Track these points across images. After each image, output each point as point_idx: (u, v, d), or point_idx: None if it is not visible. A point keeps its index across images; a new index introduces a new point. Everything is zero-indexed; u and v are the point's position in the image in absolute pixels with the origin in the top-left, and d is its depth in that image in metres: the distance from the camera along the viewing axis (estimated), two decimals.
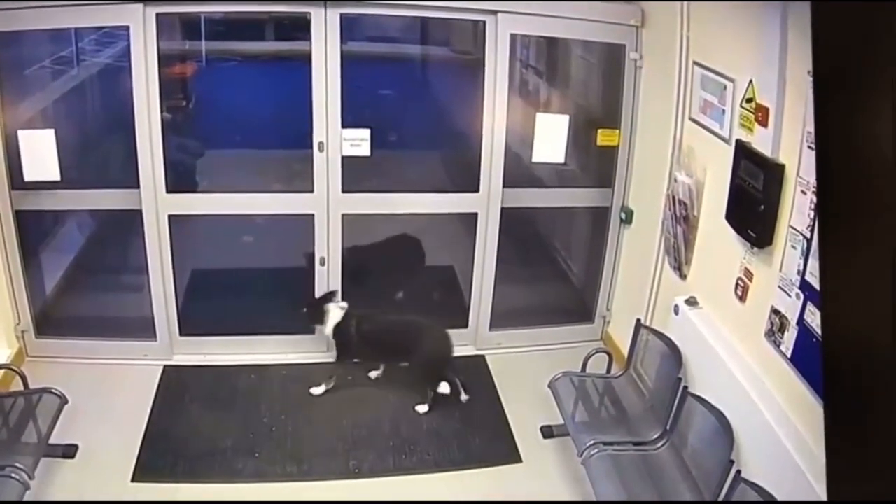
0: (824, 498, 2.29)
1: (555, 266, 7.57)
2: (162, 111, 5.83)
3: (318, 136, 6.03)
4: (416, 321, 6.30)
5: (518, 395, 6.23)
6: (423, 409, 6.06)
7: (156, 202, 6.00)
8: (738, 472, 4.22)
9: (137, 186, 5.94)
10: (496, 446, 5.74)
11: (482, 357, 6.78)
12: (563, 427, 5.46)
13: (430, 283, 7.33)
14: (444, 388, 6.07)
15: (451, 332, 6.50)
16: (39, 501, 4.81)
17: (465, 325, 6.85)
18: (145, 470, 5.29)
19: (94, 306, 6.77)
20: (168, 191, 6.00)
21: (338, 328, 6.08)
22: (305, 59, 5.89)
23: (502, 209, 6.45)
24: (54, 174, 5.78)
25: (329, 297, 6.19)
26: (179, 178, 6.22)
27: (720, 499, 4.28)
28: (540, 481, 5.41)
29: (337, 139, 6.05)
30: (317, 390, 6.13)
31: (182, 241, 6.27)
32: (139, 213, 6.02)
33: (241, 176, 6.76)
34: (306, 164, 6.12)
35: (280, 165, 6.83)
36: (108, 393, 5.97)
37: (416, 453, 5.62)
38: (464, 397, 6.20)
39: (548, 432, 5.79)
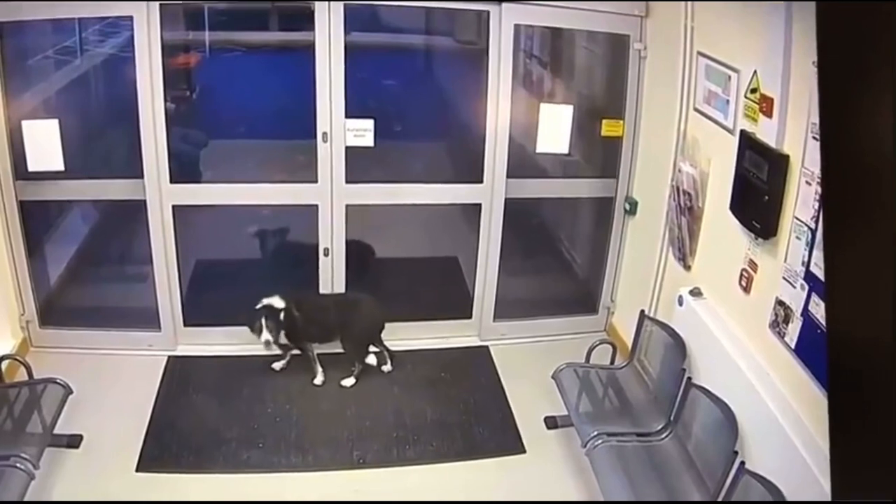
0: (828, 488, 2.29)
1: (559, 257, 7.56)
2: (166, 101, 5.85)
3: (321, 127, 6.04)
4: (347, 295, 6.45)
5: (522, 386, 6.24)
6: (349, 382, 6.18)
7: (160, 192, 6.01)
8: (742, 463, 4.21)
9: (141, 177, 5.96)
10: (500, 437, 5.75)
11: (486, 348, 6.79)
12: (566, 418, 5.47)
13: (434, 273, 7.33)
14: (370, 359, 6.31)
15: (456, 322, 6.55)
16: (42, 502, 4.82)
17: (470, 316, 6.86)
18: (149, 460, 5.30)
19: (98, 296, 6.79)
20: (172, 181, 6.02)
21: (285, 316, 6.05)
22: (309, 49, 5.89)
23: (506, 200, 6.45)
24: (58, 164, 5.80)
25: (263, 308, 6.02)
26: (183, 169, 6.22)
27: (724, 489, 4.29)
28: (544, 472, 5.42)
29: (341, 129, 6.05)
30: (318, 380, 6.20)
31: (186, 231, 6.28)
32: (143, 203, 6.04)
33: (244, 166, 6.75)
34: (310, 155, 6.13)
35: (284, 156, 6.83)
36: (113, 383, 5.99)
37: (419, 444, 5.63)
38: (386, 368, 6.37)
39: (552, 423, 5.80)
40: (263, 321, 5.87)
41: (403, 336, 6.57)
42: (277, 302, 6.00)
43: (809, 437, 3.96)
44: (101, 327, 6.45)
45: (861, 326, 2.02)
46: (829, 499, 2.40)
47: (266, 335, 5.85)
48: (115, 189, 6.13)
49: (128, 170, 5.99)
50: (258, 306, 5.97)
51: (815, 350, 4.06)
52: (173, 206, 6.09)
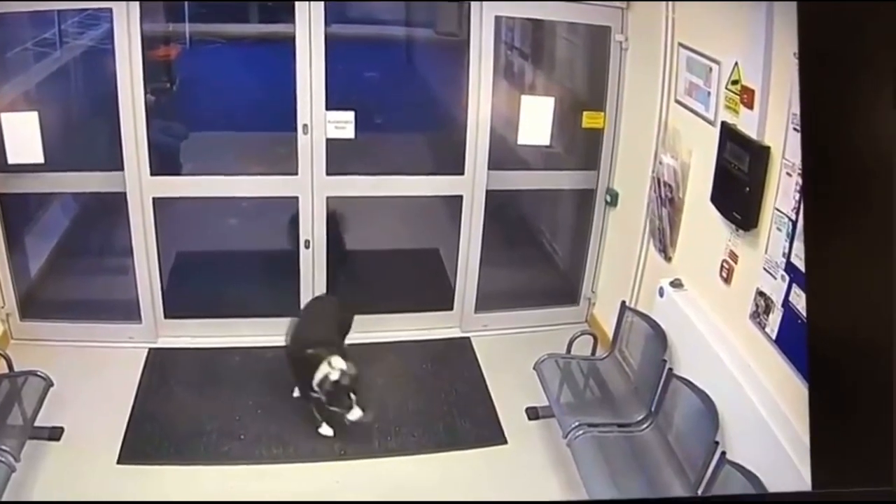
0: (809, 478, 2.30)
1: (540, 248, 7.57)
2: (146, 94, 5.81)
3: (302, 119, 6.02)
4: (334, 302, 6.27)
5: (503, 377, 6.24)
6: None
7: (140, 185, 5.98)
8: (723, 453, 4.24)
9: (121, 169, 5.93)
10: (482, 428, 5.75)
11: (468, 339, 6.79)
12: (548, 409, 5.48)
13: (416, 265, 7.33)
14: None
15: (437, 314, 6.55)
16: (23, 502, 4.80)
17: (451, 308, 6.86)
18: (131, 452, 5.29)
19: (78, 289, 6.75)
20: (152, 173, 5.98)
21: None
22: (289, 40, 5.87)
23: (487, 191, 6.44)
24: (38, 157, 5.76)
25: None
26: (164, 161, 6.20)
27: (705, 480, 4.31)
28: (525, 463, 5.43)
29: (321, 121, 6.03)
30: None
31: (167, 223, 6.25)
32: (123, 195, 6.01)
33: (225, 158, 6.74)
34: (290, 147, 6.11)
35: (264, 148, 6.81)
36: (94, 375, 5.95)
37: (401, 435, 5.63)
38: None
39: (533, 414, 5.81)
40: (352, 396, 5.35)
41: (385, 328, 6.57)
42: (337, 367, 5.41)
43: (790, 426, 3.97)
44: (82, 320, 6.41)
45: (841, 317, 2.03)
46: (809, 488, 2.41)
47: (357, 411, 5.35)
48: (95, 181, 6.10)
49: (108, 162, 5.95)
50: (334, 381, 5.34)
51: (795, 340, 4.08)
52: (154, 199, 6.06)
